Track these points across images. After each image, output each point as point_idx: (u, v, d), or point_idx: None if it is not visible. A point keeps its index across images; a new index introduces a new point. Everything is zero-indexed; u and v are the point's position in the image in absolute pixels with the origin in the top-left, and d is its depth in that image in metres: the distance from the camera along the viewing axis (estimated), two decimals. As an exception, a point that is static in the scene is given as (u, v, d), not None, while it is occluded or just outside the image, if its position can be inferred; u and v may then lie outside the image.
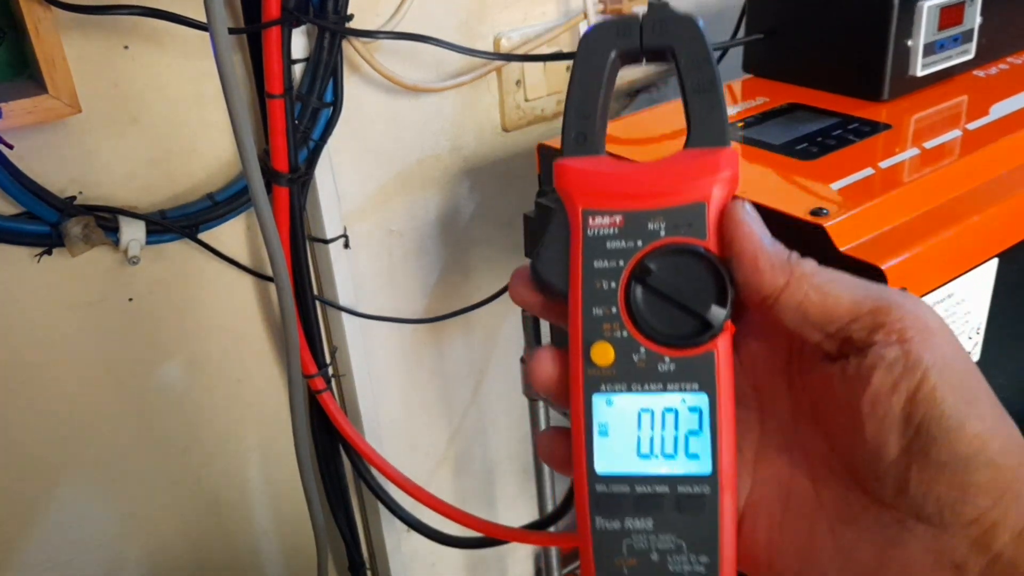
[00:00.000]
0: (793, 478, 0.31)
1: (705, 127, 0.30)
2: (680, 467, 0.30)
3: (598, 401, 0.30)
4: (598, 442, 0.30)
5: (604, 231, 0.30)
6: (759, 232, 0.29)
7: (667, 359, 0.30)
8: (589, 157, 0.31)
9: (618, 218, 0.30)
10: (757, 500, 0.32)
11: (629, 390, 0.30)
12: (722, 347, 0.30)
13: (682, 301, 0.30)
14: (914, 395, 0.27)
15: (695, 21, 0.31)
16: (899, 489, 0.28)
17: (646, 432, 0.30)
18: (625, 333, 0.30)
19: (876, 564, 0.29)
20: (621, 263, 0.30)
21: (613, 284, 0.30)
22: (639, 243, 0.30)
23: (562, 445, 0.32)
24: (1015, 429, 0.28)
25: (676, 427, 0.30)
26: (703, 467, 0.30)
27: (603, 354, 0.30)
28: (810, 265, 0.29)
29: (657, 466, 0.30)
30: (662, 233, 0.30)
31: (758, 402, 0.33)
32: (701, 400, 0.30)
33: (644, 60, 0.32)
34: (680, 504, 0.30)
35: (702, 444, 0.30)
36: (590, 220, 0.30)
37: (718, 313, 0.29)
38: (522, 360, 0.87)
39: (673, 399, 0.30)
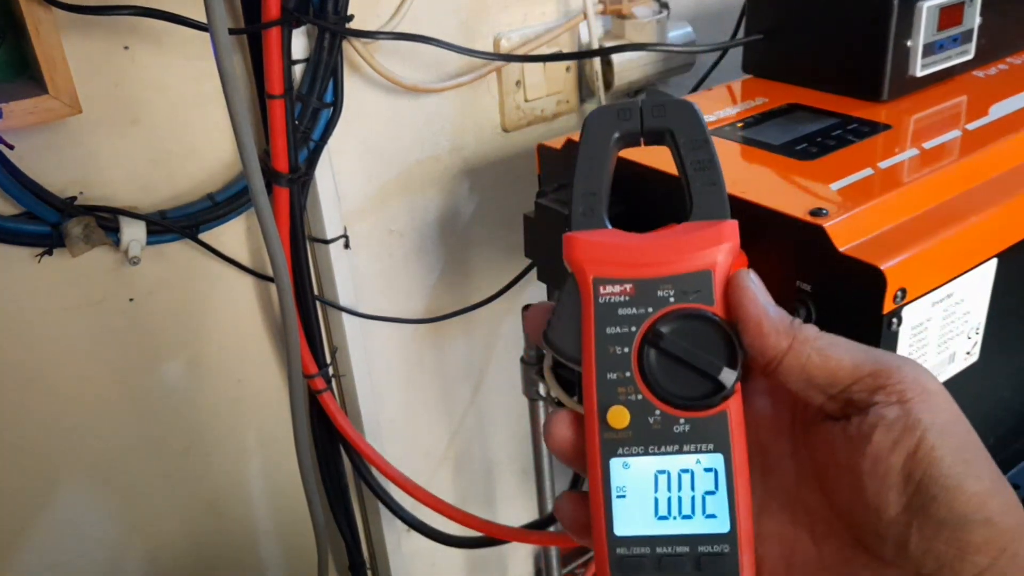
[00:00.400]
0: (796, 536, 0.32)
1: (707, 202, 0.32)
2: (698, 527, 0.31)
3: (615, 465, 0.31)
4: (617, 505, 0.31)
5: (615, 299, 0.32)
6: (763, 299, 0.31)
7: (682, 421, 0.31)
8: (597, 230, 0.33)
9: (628, 286, 0.31)
10: (760, 557, 0.32)
11: (646, 452, 0.31)
12: (734, 407, 0.31)
13: (695, 364, 0.31)
14: (914, 454, 0.28)
15: (692, 106, 0.33)
16: (899, 547, 0.29)
17: (663, 493, 0.31)
18: (640, 396, 0.31)
19: None
20: (633, 329, 0.31)
21: (626, 349, 0.31)
22: (650, 309, 0.31)
23: (580, 509, 0.33)
24: (1011, 491, 0.29)
25: (693, 487, 0.31)
26: (721, 526, 0.31)
27: (619, 417, 0.31)
28: (812, 330, 0.31)
29: (676, 527, 0.31)
30: (671, 300, 0.31)
31: (761, 460, 0.33)
32: (716, 460, 0.31)
33: (643, 142, 0.34)
34: (700, 563, 0.31)
35: (719, 503, 0.31)
36: (601, 289, 0.32)
37: (729, 375, 0.31)
38: (522, 360, 0.87)
39: (689, 460, 0.31)
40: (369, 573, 1.01)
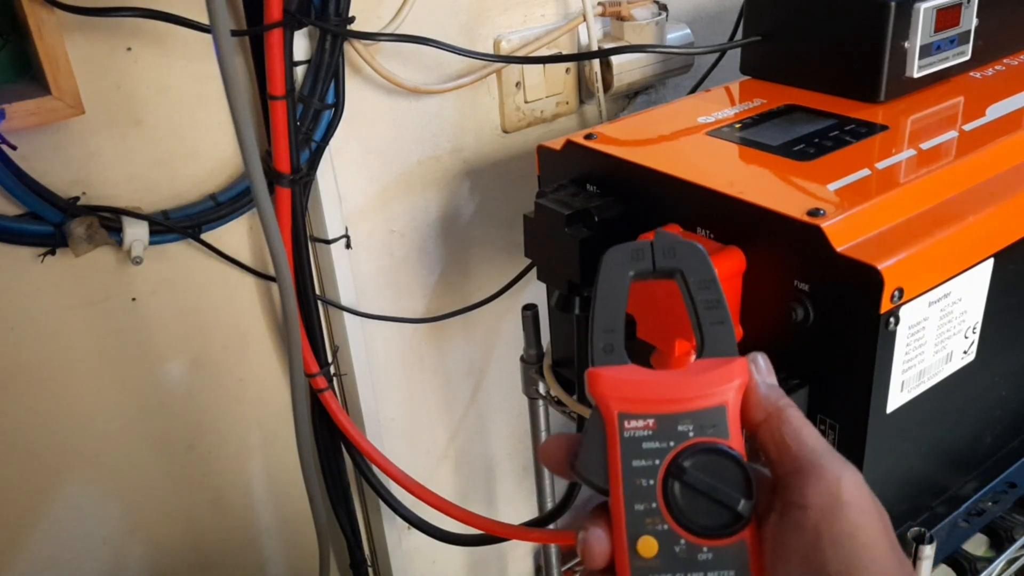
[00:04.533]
0: None
1: (718, 340, 0.35)
2: None
3: None
4: None
5: (639, 433, 0.34)
6: (757, 379, 0.35)
7: (705, 549, 0.33)
8: (617, 366, 0.35)
9: (651, 421, 0.34)
10: None
11: None
12: (751, 535, 0.33)
13: (716, 496, 0.33)
14: (808, 556, 0.32)
15: (699, 248, 0.36)
16: None
17: None
18: (666, 527, 0.33)
19: None
20: (657, 462, 0.34)
21: (651, 481, 0.34)
22: (672, 443, 0.34)
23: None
24: None
25: None
26: None
27: (648, 547, 0.33)
28: (790, 412, 0.34)
29: None
30: (691, 434, 0.34)
31: None
32: None
33: (653, 278, 0.37)
34: None
35: None
36: (626, 423, 0.34)
37: (747, 506, 0.33)
38: (522, 359, 0.88)
39: None
40: (370, 570, 1.01)
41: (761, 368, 0.36)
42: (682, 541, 0.33)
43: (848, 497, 0.32)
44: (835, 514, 0.32)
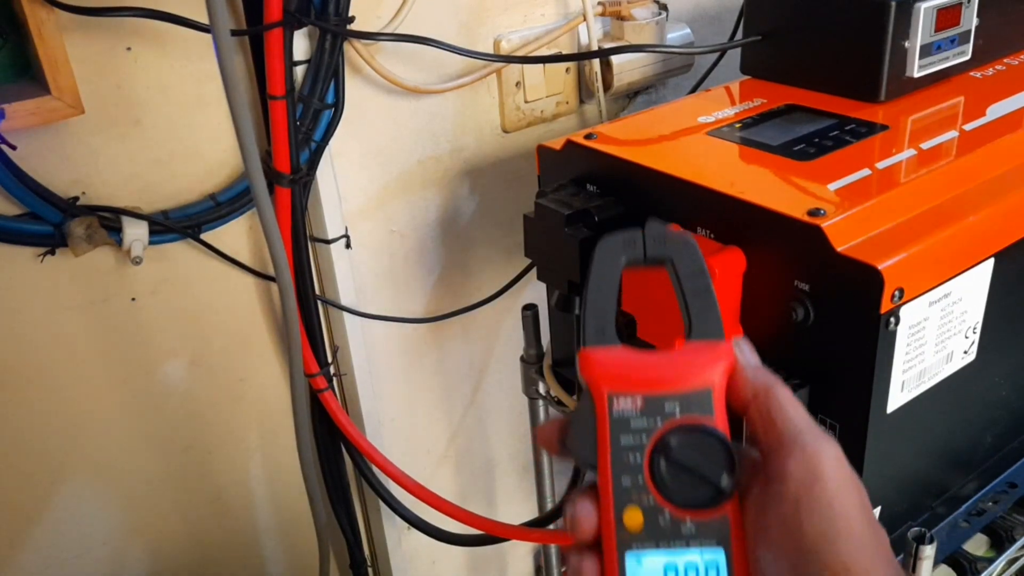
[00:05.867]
0: None
1: (705, 324, 0.37)
2: None
3: (630, 559, 0.35)
4: None
5: (628, 412, 0.36)
6: (743, 361, 0.37)
7: (688, 521, 0.35)
8: (608, 347, 0.37)
9: (639, 401, 0.36)
10: None
11: (657, 548, 0.35)
12: (734, 509, 0.35)
13: (700, 472, 0.35)
14: (786, 525, 0.33)
15: (689, 237, 0.37)
16: None
17: None
18: (652, 500, 0.35)
19: None
20: (644, 439, 0.35)
21: (638, 458, 0.35)
22: (659, 422, 0.35)
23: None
24: (885, 565, 0.33)
25: None
26: None
27: (633, 518, 0.35)
28: (777, 390, 0.36)
29: None
30: (678, 414, 0.35)
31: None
32: (718, 555, 0.35)
33: (644, 266, 0.38)
34: None
35: None
36: (615, 402, 0.36)
37: (730, 481, 0.35)
38: (522, 359, 0.88)
39: (694, 556, 0.35)
40: (370, 571, 1.01)
41: (745, 351, 0.37)
42: (666, 514, 0.35)
43: (826, 470, 0.33)
44: (813, 485, 0.33)
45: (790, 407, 0.35)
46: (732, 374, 0.36)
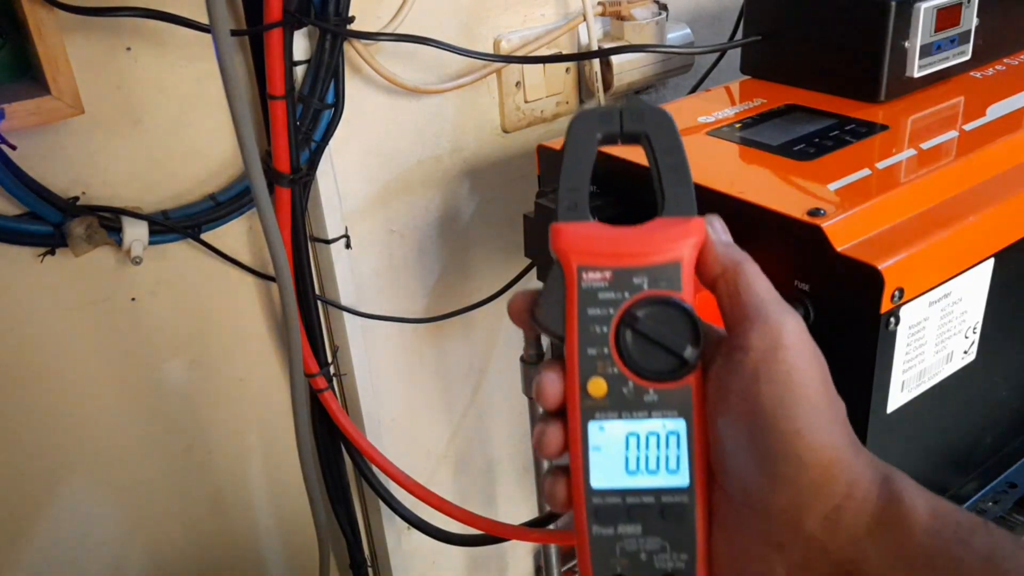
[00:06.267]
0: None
1: (678, 200, 0.36)
2: (662, 481, 0.36)
3: (593, 427, 0.36)
4: (593, 461, 0.36)
5: (596, 284, 0.36)
6: (714, 237, 0.36)
7: (651, 391, 0.36)
8: (580, 222, 0.37)
9: (608, 274, 0.36)
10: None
11: (619, 417, 0.36)
12: (695, 380, 0.36)
13: (664, 343, 0.35)
14: (744, 394, 0.33)
15: (666, 113, 0.37)
16: (739, 485, 0.34)
17: (633, 452, 0.36)
18: (616, 370, 0.36)
19: (729, 554, 0.35)
20: (611, 311, 0.36)
21: (605, 329, 0.36)
22: (626, 294, 0.36)
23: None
24: (841, 437, 0.33)
25: (659, 447, 0.36)
26: (682, 480, 0.36)
27: (597, 387, 0.36)
28: (745, 266, 0.36)
29: (643, 481, 0.36)
30: (645, 287, 0.36)
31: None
32: (679, 425, 0.36)
33: (620, 142, 0.38)
34: (663, 512, 0.36)
35: (680, 461, 0.36)
36: (584, 275, 0.36)
37: (693, 353, 0.35)
38: (522, 359, 0.88)
39: (656, 424, 0.36)
40: (370, 571, 1.01)
41: (716, 228, 0.37)
42: (630, 384, 0.35)
43: (787, 341, 0.33)
44: (774, 355, 0.33)
45: (757, 282, 0.35)
46: (703, 250, 0.36)
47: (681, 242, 0.36)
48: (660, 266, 0.35)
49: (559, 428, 0.36)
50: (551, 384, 0.36)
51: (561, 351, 0.37)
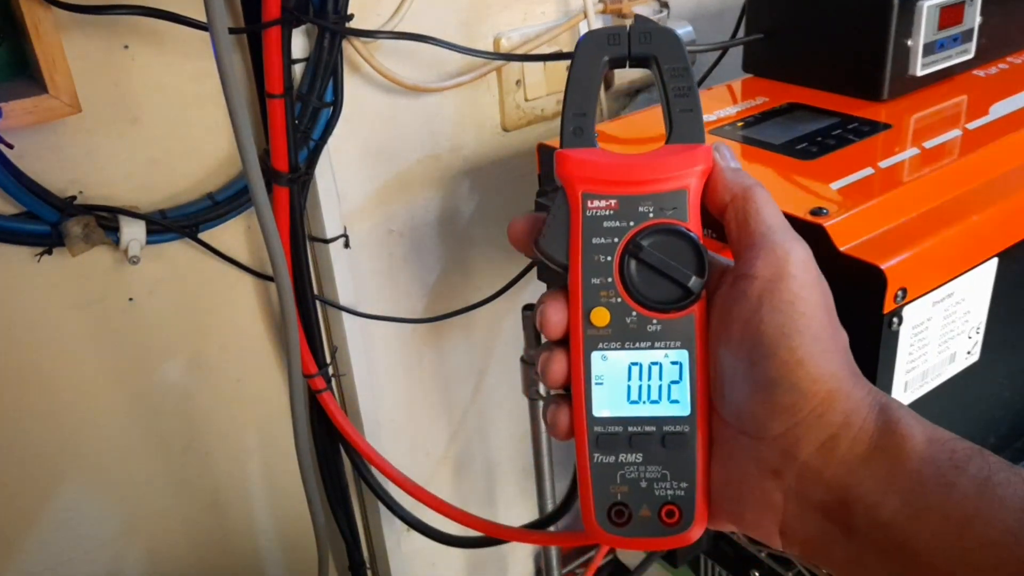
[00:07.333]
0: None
1: (685, 126, 0.36)
2: (664, 410, 0.36)
3: (596, 357, 0.36)
4: (595, 390, 0.36)
5: (601, 212, 0.35)
6: (722, 164, 0.36)
7: (655, 321, 0.35)
8: (585, 149, 0.36)
9: (613, 201, 0.35)
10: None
11: (622, 347, 0.35)
12: (699, 311, 0.35)
13: (668, 272, 0.35)
14: (747, 321, 0.33)
15: (675, 34, 0.36)
16: (737, 413, 0.34)
17: (636, 382, 0.36)
18: (619, 299, 0.35)
19: (727, 481, 0.35)
20: (616, 240, 0.35)
21: (609, 258, 0.35)
22: (631, 223, 0.35)
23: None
24: (841, 367, 0.33)
25: (661, 377, 0.36)
26: (683, 410, 0.35)
27: (600, 317, 0.35)
28: (755, 192, 0.35)
29: (645, 410, 0.36)
30: (651, 215, 0.35)
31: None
32: (682, 355, 0.35)
33: (628, 65, 0.37)
34: (664, 441, 0.36)
35: (682, 391, 0.35)
36: (589, 203, 0.35)
37: (697, 283, 0.35)
38: (522, 360, 0.87)
39: (659, 354, 0.35)
40: (369, 572, 1.01)
41: (725, 154, 0.36)
42: (633, 313, 0.35)
43: (793, 269, 0.33)
44: (778, 284, 0.33)
45: (766, 208, 0.35)
46: (711, 177, 0.35)
47: (688, 170, 0.35)
48: (666, 194, 0.35)
49: (563, 357, 0.36)
50: (555, 313, 0.36)
51: (564, 280, 0.36)
